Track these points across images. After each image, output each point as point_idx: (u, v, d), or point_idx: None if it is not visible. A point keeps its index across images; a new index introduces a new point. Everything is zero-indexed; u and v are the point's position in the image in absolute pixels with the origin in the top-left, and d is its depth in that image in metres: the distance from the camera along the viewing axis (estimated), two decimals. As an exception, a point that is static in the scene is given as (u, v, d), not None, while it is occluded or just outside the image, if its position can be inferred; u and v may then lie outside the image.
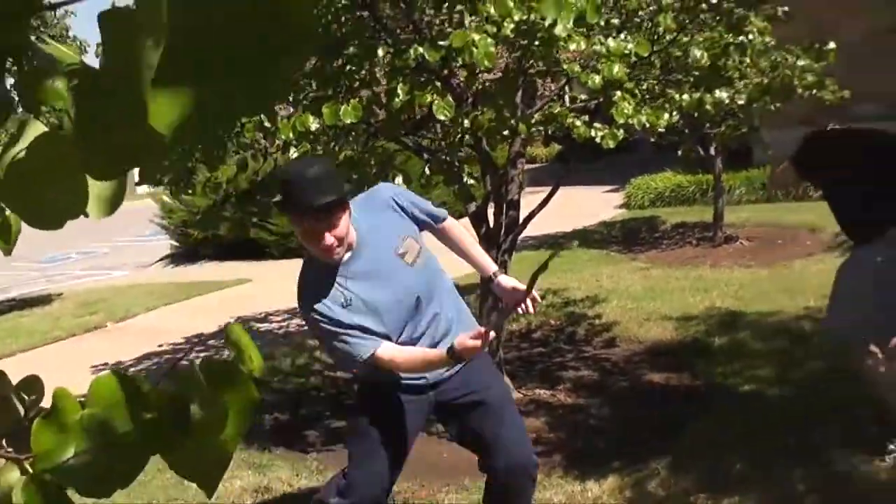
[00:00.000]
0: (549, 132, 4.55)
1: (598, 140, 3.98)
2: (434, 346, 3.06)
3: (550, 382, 5.59)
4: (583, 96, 4.86)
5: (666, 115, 4.37)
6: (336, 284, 2.93)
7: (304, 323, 3.77)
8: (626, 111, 3.82)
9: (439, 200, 5.43)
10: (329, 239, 2.81)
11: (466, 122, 3.69)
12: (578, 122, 3.99)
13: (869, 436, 4.03)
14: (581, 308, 7.34)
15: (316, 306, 2.92)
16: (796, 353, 5.48)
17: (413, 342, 3.04)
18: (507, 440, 3.18)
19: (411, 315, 3.03)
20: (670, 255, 9.70)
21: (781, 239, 9.52)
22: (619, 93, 3.93)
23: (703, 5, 4.62)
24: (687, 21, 4.82)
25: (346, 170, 4.25)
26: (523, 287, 3.03)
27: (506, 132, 3.73)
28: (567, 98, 5.14)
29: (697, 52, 4.63)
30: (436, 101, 3.61)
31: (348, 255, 2.95)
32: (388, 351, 2.93)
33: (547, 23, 3.44)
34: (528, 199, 5.35)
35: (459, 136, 3.88)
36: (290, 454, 4.92)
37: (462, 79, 4.17)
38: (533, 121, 3.93)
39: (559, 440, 4.64)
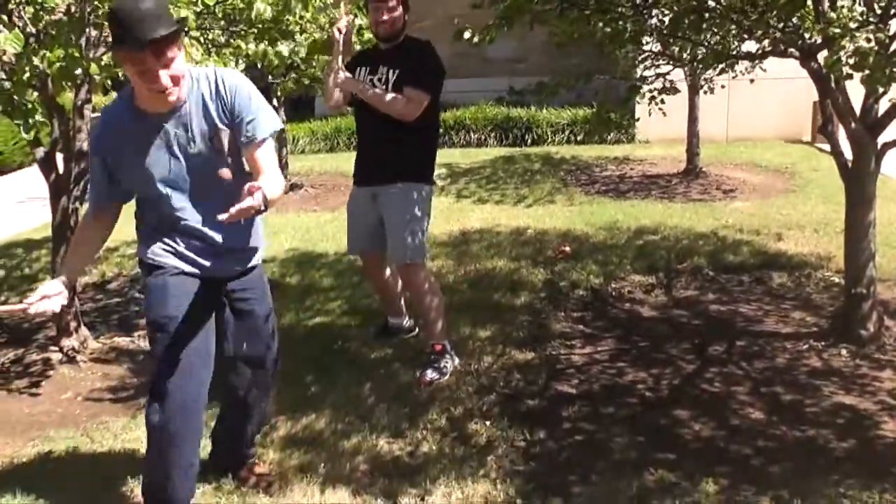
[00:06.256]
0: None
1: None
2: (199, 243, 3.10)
3: (128, 330, 5.62)
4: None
5: (232, 64, 4.59)
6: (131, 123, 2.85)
7: None
8: (195, 57, 3.96)
9: None
10: (165, 79, 2.68)
11: (37, 61, 3.58)
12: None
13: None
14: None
15: (98, 129, 2.95)
16: (362, 284, 6.03)
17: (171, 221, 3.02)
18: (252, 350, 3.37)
19: (174, 197, 2.97)
20: (240, 204, 9.90)
21: (344, 185, 10.15)
22: (187, 39, 4.05)
23: (267, -39, 4.85)
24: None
25: None
26: None
27: (78, 72, 3.69)
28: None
29: (261, 6, 4.89)
30: (2, 34, 3.47)
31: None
32: (88, 217, 3.03)
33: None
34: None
35: (28, 74, 3.75)
36: None
37: (28, 16, 4.03)
38: (103, 63, 3.93)
39: (141, 384, 4.70)
